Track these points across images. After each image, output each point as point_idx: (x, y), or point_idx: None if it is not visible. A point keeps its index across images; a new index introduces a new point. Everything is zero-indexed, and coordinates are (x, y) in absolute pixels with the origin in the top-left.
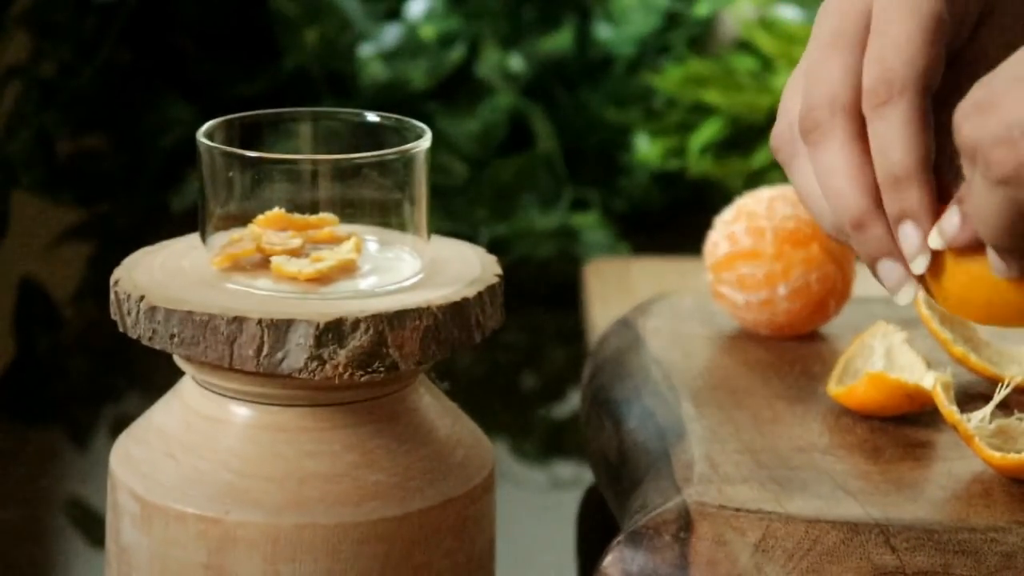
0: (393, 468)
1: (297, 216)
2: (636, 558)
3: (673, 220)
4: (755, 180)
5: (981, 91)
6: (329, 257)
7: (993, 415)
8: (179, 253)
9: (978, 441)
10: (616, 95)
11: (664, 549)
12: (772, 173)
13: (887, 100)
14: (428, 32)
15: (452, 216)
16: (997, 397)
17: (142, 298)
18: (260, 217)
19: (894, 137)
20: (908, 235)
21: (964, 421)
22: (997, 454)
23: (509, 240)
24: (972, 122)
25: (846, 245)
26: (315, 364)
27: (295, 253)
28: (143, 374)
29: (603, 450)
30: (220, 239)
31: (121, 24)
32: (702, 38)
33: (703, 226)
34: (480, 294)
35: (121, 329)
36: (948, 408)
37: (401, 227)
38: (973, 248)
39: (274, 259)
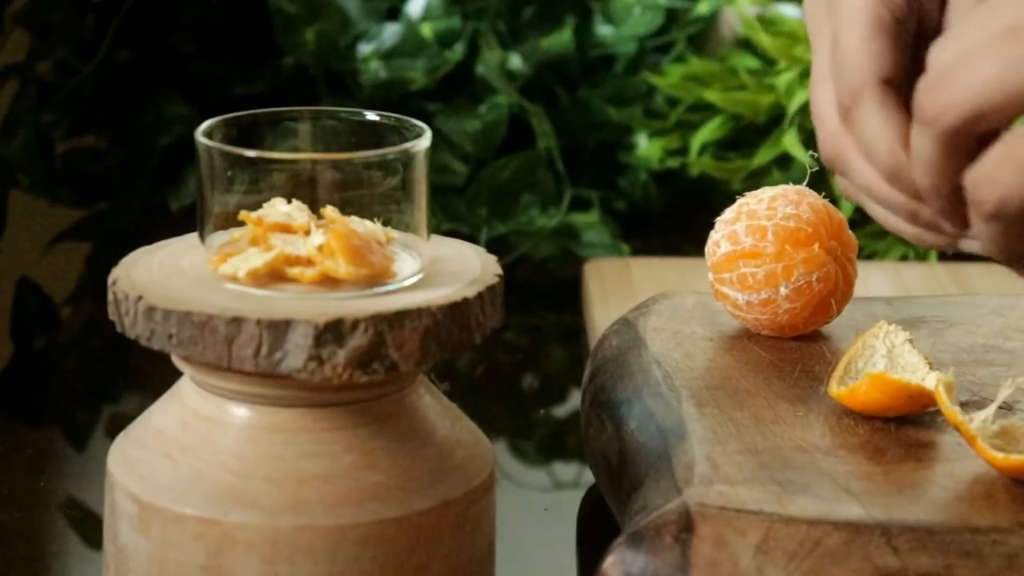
0: (392, 469)
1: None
2: (637, 559)
3: (673, 220)
4: (756, 179)
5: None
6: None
7: (996, 415)
8: (178, 253)
9: (980, 442)
10: (616, 94)
11: (665, 550)
12: (773, 172)
13: (851, 107)
14: (428, 31)
15: (452, 216)
16: (1000, 397)
17: (140, 298)
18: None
19: (869, 137)
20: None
21: (967, 422)
22: (1000, 455)
23: (509, 240)
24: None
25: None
26: (314, 364)
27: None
28: (141, 374)
29: (603, 451)
30: (219, 238)
31: (119, 23)
32: (703, 37)
33: (703, 226)
34: (480, 294)
35: (119, 329)
36: (951, 409)
37: (401, 226)
38: None
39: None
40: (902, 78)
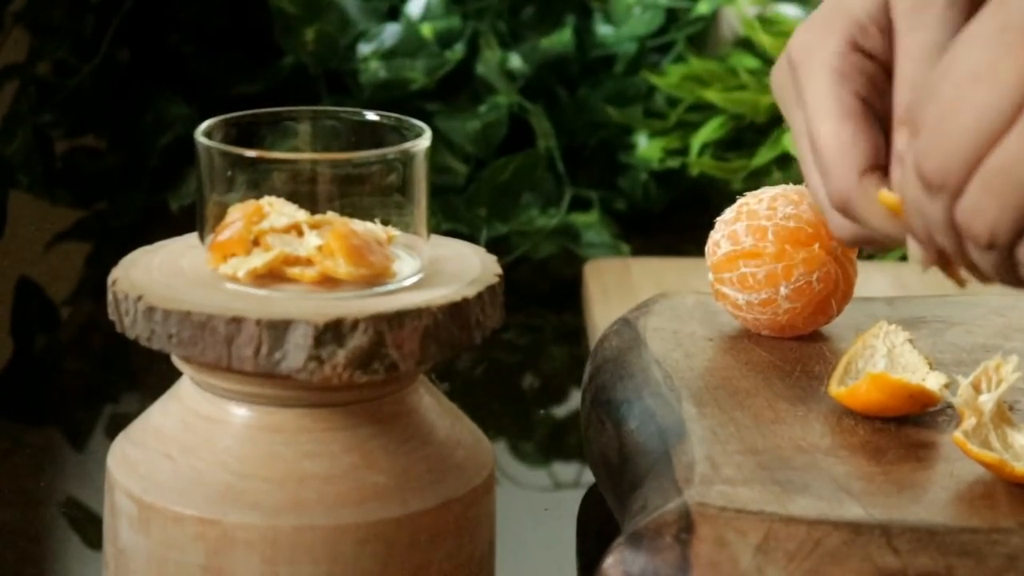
0: (392, 469)
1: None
2: (637, 559)
3: (673, 220)
4: (756, 179)
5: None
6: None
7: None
8: (177, 253)
9: (1017, 469)
10: (616, 94)
11: (665, 550)
12: (773, 172)
13: (845, 207)
14: (428, 31)
15: (452, 216)
16: (1001, 387)
17: (140, 298)
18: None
19: (872, 226)
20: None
21: (998, 455)
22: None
23: (509, 240)
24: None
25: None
26: (314, 364)
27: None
28: (141, 374)
29: (604, 451)
30: None
31: (119, 22)
32: (703, 37)
33: (703, 226)
34: (480, 294)
35: (119, 329)
36: (979, 451)
37: (401, 226)
38: None
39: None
40: (883, 153)
